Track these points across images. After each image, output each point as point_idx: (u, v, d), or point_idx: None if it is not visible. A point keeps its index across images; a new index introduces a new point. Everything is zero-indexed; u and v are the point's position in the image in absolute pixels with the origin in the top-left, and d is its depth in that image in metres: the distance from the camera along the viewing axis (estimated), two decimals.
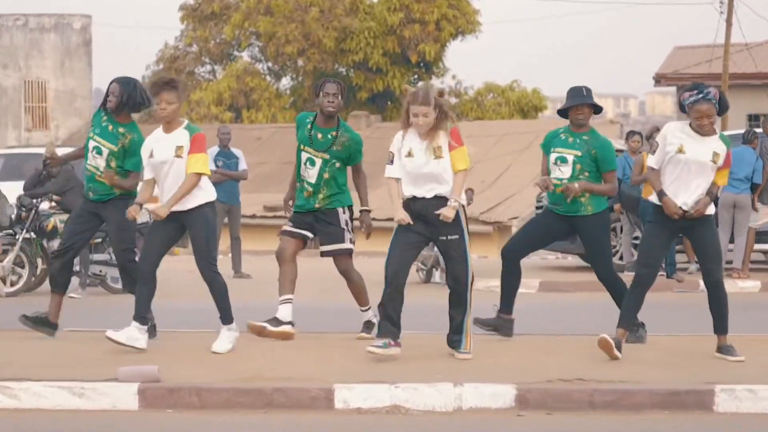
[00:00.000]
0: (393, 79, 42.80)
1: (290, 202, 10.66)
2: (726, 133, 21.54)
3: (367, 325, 10.70)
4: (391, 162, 9.54)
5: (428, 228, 9.51)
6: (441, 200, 9.46)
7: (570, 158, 10.30)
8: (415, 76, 44.31)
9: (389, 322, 9.47)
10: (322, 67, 42.38)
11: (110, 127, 10.57)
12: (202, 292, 10.17)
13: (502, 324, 10.64)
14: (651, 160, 9.68)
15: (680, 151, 9.44)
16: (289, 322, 10.35)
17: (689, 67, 35.27)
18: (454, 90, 45.79)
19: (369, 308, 10.69)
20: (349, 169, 10.62)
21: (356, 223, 10.61)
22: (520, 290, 16.65)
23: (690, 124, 9.52)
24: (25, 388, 8.48)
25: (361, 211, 10.59)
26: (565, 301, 15.04)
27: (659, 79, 35.51)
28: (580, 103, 10.39)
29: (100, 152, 10.53)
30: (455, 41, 43.78)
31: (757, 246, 17.86)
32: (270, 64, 45.84)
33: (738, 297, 15.91)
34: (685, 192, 9.48)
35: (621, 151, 22.35)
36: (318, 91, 10.54)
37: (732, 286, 16.68)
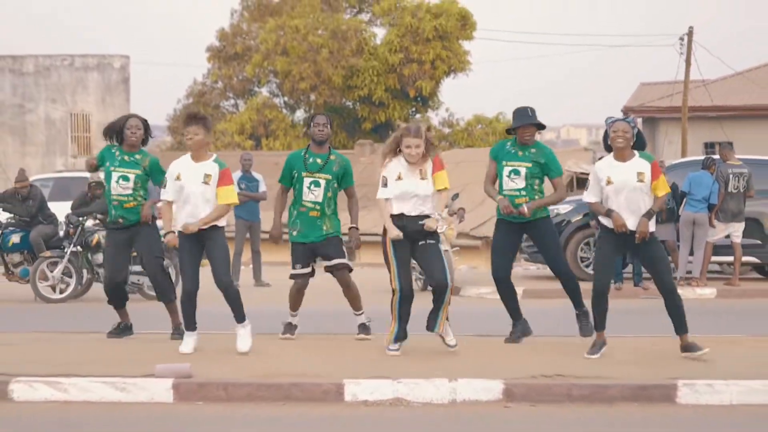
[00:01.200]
0: (393, 112, 42.85)
1: (284, 237, 10.68)
2: (685, 159, 21.61)
3: (363, 328, 10.74)
4: (386, 185, 9.64)
5: (411, 239, 9.61)
6: (424, 218, 9.58)
7: (522, 171, 10.16)
8: (413, 109, 44.36)
9: (404, 328, 9.70)
10: (331, 101, 42.44)
11: (126, 158, 10.57)
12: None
13: (523, 327, 10.57)
14: (586, 196, 9.58)
15: (608, 182, 9.38)
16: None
17: (653, 101, 35.31)
18: (447, 121, 45.82)
19: (362, 312, 10.75)
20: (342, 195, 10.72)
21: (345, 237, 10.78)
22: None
23: (613, 155, 9.46)
24: (73, 383, 8.48)
25: (350, 228, 10.64)
26: (547, 306, 14.99)
27: (627, 112, 35.47)
28: (527, 124, 10.23)
29: (127, 179, 10.51)
30: (448, 78, 43.84)
31: (714, 258, 17.86)
32: (286, 99, 45.88)
33: (696, 303, 15.90)
34: (629, 213, 9.40)
35: None
36: (309, 122, 10.78)
37: (691, 293, 16.69)
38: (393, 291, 9.68)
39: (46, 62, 40.30)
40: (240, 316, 9.88)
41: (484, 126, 44.34)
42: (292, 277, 10.66)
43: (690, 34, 32.04)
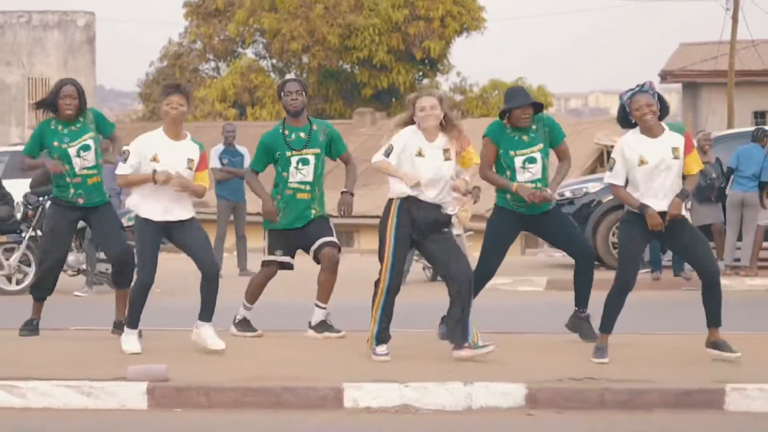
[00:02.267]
0: (398, 76, 42.79)
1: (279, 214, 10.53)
2: (732, 131, 21.56)
3: (323, 325, 10.64)
4: (387, 154, 9.52)
5: (419, 230, 9.51)
6: (439, 207, 9.49)
7: (538, 156, 10.10)
8: (420, 74, 44.31)
9: (387, 328, 9.61)
10: (326, 63, 42.40)
11: (73, 128, 10.49)
12: None
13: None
14: (611, 178, 9.45)
15: (642, 162, 9.27)
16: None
17: (695, 63, 35.25)
18: (459, 87, 45.80)
19: (326, 308, 10.63)
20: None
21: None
22: (528, 288, 16.84)
23: (640, 130, 9.39)
24: (32, 387, 8.48)
25: (342, 193, 10.56)
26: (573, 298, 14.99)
27: (665, 76, 35.46)
28: (526, 104, 10.07)
29: (88, 148, 10.44)
30: (460, 38, 43.79)
31: (766, 244, 17.82)
32: (274, 61, 45.84)
33: (746, 294, 15.90)
34: (656, 197, 9.31)
35: None
36: (280, 92, 10.63)
37: (740, 283, 16.68)
38: (377, 284, 9.57)
39: None
40: (209, 314, 9.88)
41: (501, 92, 44.27)
42: (265, 264, 10.54)
43: None
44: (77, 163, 10.45)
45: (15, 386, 8.48)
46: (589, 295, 10.46)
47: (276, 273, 10.62)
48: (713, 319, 9.57)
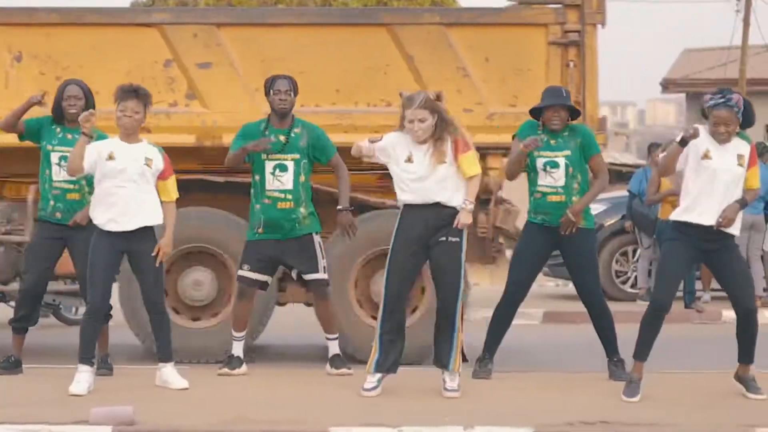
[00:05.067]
0: None
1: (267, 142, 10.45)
2: None
3: (338, 360, 10.76)
4: (372, 141, 9.57)
5: (426, 233, 9.50)
6: (443, 207, 9.46)
7: (561, 162, 10.31)
8: None
9: (388, 354, 9.65)
10: None
11: (69, 136, 10.52)
12: None
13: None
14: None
15: (706, 156, 9.42)
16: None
17: (701, 71, 35.36)
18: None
19: (336, 338, 10.77)
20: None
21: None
22: (523, 322, 16.87)
23: (710, 131, 9.51)
24: None
25: (338, 211, 10.60)
26: (573, 332, 15.07)
27: (667, 85, 35.54)
28: (557, 105, 10.33)
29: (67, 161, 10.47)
30: None
31: None
32: None
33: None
34: (714, 204, 9.41)
35: (637, 166, 22.27)
36: (268, 89, 10.61)
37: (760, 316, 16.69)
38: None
39: None
40: (167, 353, 9.96)
41: None
42: (238, 280, 10.61)
43: None
44: (56, 172, 10.48)
45: None
46: (613, 337, 10.52)
47: (253, 294, 10.59)
48: (743, 354, 9.75)
